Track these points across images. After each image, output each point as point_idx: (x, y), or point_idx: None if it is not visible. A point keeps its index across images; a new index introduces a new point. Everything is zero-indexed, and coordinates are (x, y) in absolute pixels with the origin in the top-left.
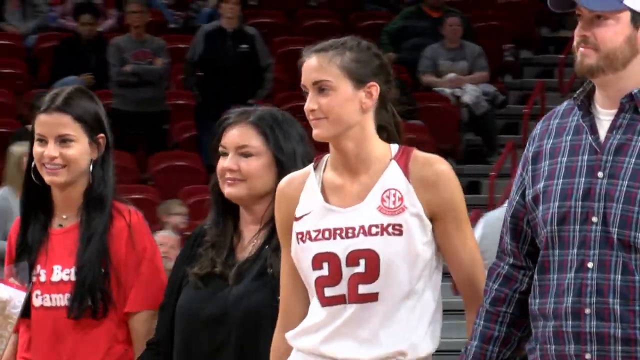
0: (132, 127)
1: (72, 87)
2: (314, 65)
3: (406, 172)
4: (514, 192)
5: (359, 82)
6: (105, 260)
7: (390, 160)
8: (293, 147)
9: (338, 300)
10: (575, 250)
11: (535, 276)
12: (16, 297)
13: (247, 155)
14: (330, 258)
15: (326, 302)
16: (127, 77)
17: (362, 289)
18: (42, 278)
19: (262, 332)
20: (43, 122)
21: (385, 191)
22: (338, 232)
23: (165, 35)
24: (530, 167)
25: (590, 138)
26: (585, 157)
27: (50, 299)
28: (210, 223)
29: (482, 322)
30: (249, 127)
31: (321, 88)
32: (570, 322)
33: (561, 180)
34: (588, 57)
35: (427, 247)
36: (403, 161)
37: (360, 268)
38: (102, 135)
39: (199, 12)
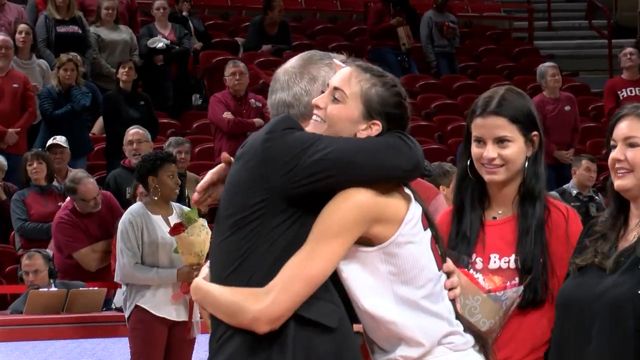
0: None
1: (503, 88)
2: (345, 74)
3: None
4: None
5: (368, 113)
6: (544, 251)
7: None
8: None
9: None
10: None
11: None
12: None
13: (633, 145)
14: None
15: None
16: None
17: None
18: (479, 265)
19: (619, 325)
20: (480, 125)
21: None
22: None
23: None
24: None
25: None
26: None
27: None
28: (607, 216)
29: None
30: (636, 119)
31: (335, 97)
32: None
33: None
34: None
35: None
36: None
37: None
38: (535, 133)
39: None
